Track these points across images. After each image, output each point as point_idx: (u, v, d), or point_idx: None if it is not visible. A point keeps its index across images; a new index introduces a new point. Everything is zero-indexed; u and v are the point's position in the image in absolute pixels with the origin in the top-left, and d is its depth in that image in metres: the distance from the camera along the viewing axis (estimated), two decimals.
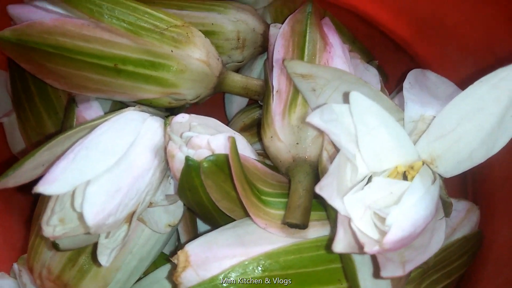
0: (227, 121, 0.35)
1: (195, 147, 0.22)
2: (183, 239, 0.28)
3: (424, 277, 0.26)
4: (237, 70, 0.32)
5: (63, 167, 0.18)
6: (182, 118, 0.22)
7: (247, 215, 0.23)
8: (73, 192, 0.19)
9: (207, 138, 0.22)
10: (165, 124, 0.23)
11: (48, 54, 0.25)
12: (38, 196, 0.23)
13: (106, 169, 0.19)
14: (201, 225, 0.29)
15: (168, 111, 0.28)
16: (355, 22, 0.39)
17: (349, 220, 0.18)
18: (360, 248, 0.17)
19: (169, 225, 0.25)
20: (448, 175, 0.22)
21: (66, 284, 0.24)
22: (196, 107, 0.30)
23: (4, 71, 0.30)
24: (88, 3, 0.24)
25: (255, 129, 0.31)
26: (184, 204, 0.25)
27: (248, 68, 0.34)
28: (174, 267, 0.22)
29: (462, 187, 0.35)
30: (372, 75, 0.29)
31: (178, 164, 0.22)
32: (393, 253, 0.18)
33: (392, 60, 0.38)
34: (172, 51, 0.25)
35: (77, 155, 0.19)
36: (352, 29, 0.37)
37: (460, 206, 0.29)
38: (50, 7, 0.26)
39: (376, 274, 0.18)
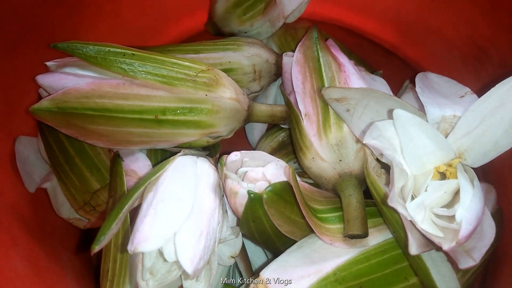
0: (251, 148, 0.36)
1: (253, 180, 0.24)
2: (241, 266, 0.29)
3: None
4: (253, 100, 0.34)
5: (149, 223, 0.20)
6: (235, 156, 0.24)
7: (305, 234, 0.25)
8: None
9: (261, 170, 0.24)
10: (221, 165, 0.24)
11: (88, 116, 0.26)
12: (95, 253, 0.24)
13: (187, 217, 0.20)
14: None
15: (204, 149, 0.30)
16: (344, 35, 0.41)
17: (413, 223, 0.20)
18: (436, 246, 0.19)
19: (232, 257, 0.26)
20: (475, 165, 0.24)
21: None
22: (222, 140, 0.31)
23: (34, 138, 0.31)
24: (120, 64, 0.25)
25: (283, 151, 0.33)
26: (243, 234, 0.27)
27: (263, 96, 0.35)
28: None
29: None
30: (380, 85, 0.32)
31: (241, 199, 0.23)
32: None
33: (384, 64, 0.40)
34: (206, 95, 0.26)
35: (157, 210, 0.20)
36: (342, 42, 0.40)
37: None
38: (80, 71, 0.27)
39: (455, 267, 0.21)
